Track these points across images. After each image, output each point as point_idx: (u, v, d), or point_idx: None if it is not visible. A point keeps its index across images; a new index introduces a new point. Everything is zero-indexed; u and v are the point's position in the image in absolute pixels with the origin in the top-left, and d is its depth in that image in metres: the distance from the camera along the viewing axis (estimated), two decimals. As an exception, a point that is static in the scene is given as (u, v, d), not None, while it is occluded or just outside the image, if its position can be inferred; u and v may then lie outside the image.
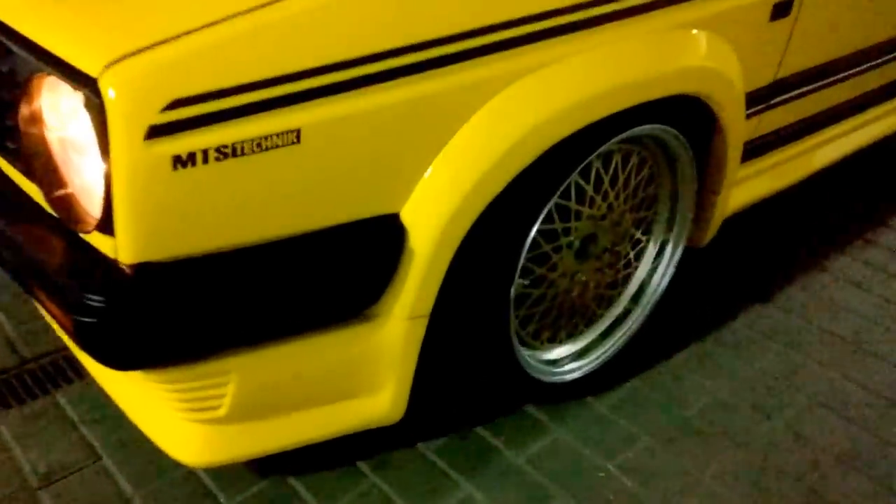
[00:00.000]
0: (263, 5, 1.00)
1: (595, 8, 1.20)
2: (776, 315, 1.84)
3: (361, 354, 1.25)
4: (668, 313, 1.70)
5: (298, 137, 1.02)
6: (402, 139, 1.11)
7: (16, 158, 1.16)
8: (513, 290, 1.32)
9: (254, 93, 0.98)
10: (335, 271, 1.16)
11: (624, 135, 1.31)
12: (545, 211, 1.29)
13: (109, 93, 0.93)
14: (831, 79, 1.75)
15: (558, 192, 1.29)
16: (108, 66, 0.94)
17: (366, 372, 1.27)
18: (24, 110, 1.08)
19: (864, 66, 1.83)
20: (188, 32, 0.96)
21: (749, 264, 2.00)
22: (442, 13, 1.08)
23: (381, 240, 1.16)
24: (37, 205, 1.17)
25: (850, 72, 1.79)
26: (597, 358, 1.57)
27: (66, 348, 1.60)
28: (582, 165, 1.29)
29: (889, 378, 1.68)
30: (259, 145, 1.00)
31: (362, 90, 1.05)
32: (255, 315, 1.14)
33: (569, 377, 1.52)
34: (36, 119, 1.08)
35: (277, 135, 1.01)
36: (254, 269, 1.09)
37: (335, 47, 1.02)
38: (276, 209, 1.06)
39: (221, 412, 1.20)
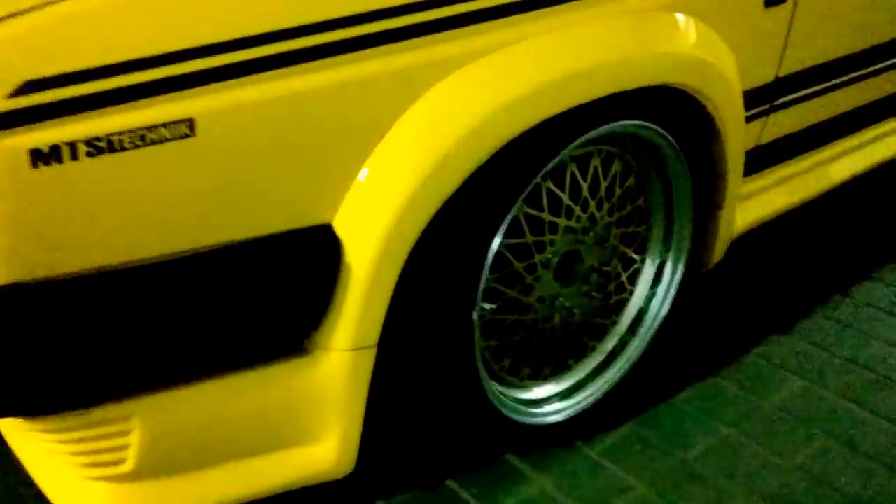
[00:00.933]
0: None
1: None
2: (795, 344, 1.60)
3: (297, 395, 1.04)
4: (672, 343, 1.48)
5: (192, 128, 0.84)
6: (328, 133, 0.92)
7: None
8: (475, 316, 1.11)
9: (133, 74, 0.80)
10: (254, 296, 0.96)
11: (598, 130, 1.11)
12: (507, 220, 1.08)
13: (-52, 73, 0.76)
14: (850, 76, 1.54)
15: (522, 198, 1.08)
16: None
17: (304, 416, 1.06)
18: None
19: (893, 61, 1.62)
20: (44, 4, 0.79)
21: (763, 289, 1.76)
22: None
23: (310, 256, 0.97)
24: None
25: (876, 67, 1.58)
26: (588, 396, 1.34)
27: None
28: (550, 167, 1.09)
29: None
30: (143, 138, 0.82)
31: (275, 72, 0.87)
32: (156, 349, 0.94)
33: (552, 419, 1.29)
34: None
35: (165, 125, 0.82)
36: (151, 292, 0.90)
37: (237, 22, 0.85)
38: (172, 218, 0.87)
39: (126, 467, 0.99)
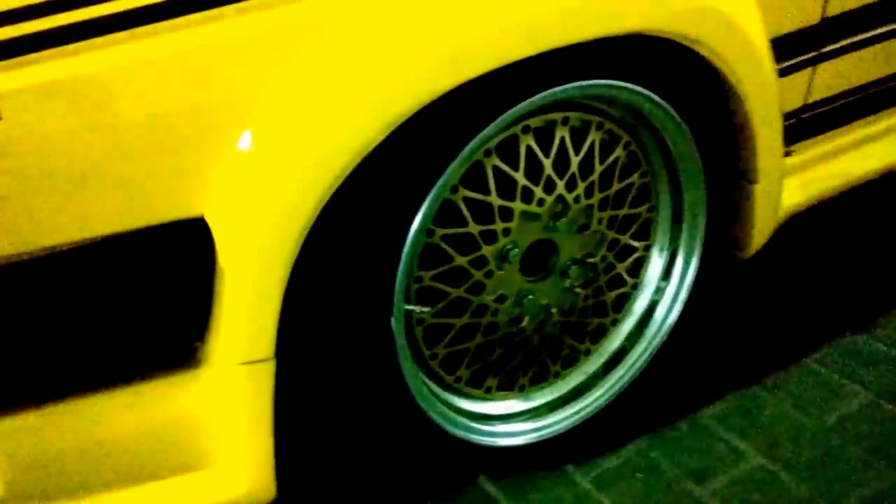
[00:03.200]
0: None
1: None
2: (867, 346, 1.29)
3: (189, 414, 0.88)
4: (697, 345, 1.21)
5: (-13, 109, 0.68)
6: (182, 110, 0.74)
7: None
8: (394, 323, 0.90)
9: None
10: (116, 303, 0.80)
11: (546, 95, 0.86)
12: (429, 205, 0.86)
13: None
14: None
15: (446, 178, 0.86)
16: None
17: (202, 437, 0.89)
18: None
19: None
20: None
21: (826, 280, 1.44)
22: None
23: (178, 255, 0.79)
24: None
25: None
26: (577, 413, 1.10)
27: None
28: (484, 138, 0.86)
29: None
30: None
31: (96, 40, 0.70)
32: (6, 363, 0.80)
33: (518, 440, 1.06)
34: None
35: (-53, 106, 0.67)
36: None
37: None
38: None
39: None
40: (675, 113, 0.97)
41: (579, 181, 0.98)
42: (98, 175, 0.74)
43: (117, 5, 0.71)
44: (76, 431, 0.85)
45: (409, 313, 0.94)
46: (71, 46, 0.70)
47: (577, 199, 0.99)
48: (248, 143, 0.77)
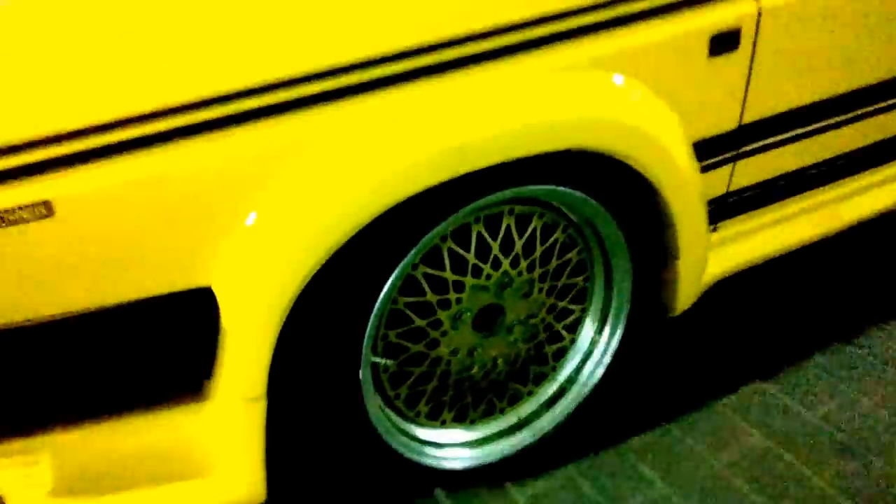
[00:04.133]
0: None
1: (442, 51, 0.99)
2: (769, 393, 1.49)
3: (198, 434, 1.09)
4: (625, 390, 1.42)
5: (50, 210, 0.89)
6: (192, 207, 0.95)
7: None
8: (362, 374, 1.11)
9: (-10, 163, 0.86)
10: (141, 350, 1.02)
11: (496, 196, 1.07)
12: (391, 279, 1.07)
13: None
14: (842, 118, 1.39)
15: (407, 260, 1.07)
16: None
17: (209, 452, 1.11)
18: None
19: (886, 100, 1.44)
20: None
21: (739, 334, 1.63)
22: (240, 64, 0.92)
23: (189, 316, 1.00)
24: None
25: (864, 109, 1.41)
26: (518, 443, 1.31)
27: None
28: (444, 230, 1.07)
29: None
30: (6, 221, 0.88)
31: (129, 154, 0.90)
32: (57, 393, 1.02)
33: (454, 465, 1.28)
34: None
35: (21, 209, 0.88)
36: (45, 345, 0.97)
37: (93, 107, 0.89)
38: (41, 286, 0.93)
39: (49, 487, 1.09)
40: (603, 207, 1.17)
41: (522, 259, 1.18)
42: (132, 258, 0.96)
43: (144, 129, 0.91)
44: (112, 445, 1.07)
45: (376, 364, 1.15)
46: (113, 158, 0.90)
47: (520, 274, 1.19)
48: (247, 234, 0.98)
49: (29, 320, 0.95)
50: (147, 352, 1.03)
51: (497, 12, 1.01)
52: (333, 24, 0.97)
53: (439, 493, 1.32)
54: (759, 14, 1.16)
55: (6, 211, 0.88)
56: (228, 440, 1.10)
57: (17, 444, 1.04)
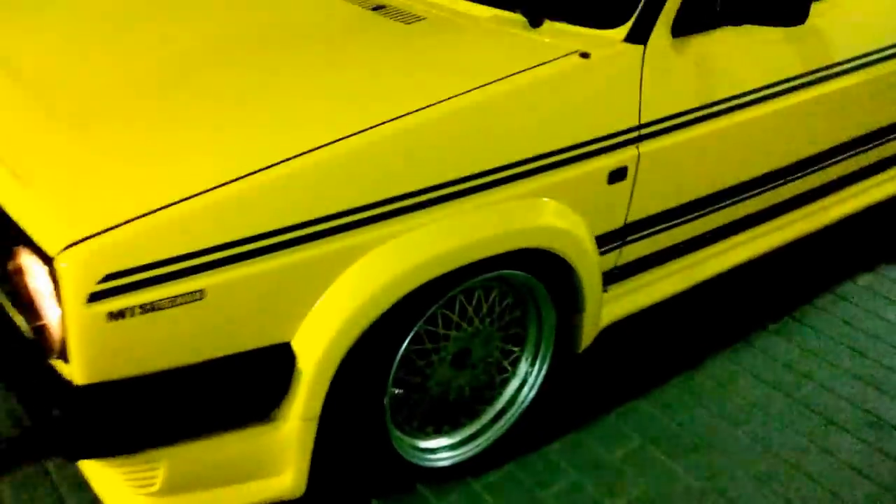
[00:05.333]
0: (166, 206, 1.32)
1: (435, 191, 1.51)
2: (648, 408, 2.10)
3: (267, 447, 1.55)
4: (546, 409, 1.98)
5: (202, 295, 1.35)
6: (288, 294, 1.43)
7: (10, 297, 1.51)
8: (386, 400, 1.62)
9: (166, 267, 1.31)
10: (238, 386, 1.47)
11: (475, 280, 1.61)
12: (409, 337, 1.59)
13: (63, 269, 1.26)
14: (688, 216, 2.00)
15: (419, 323, 1.59)
16: (63, 249, 1.27)
17: (272, 459, 1.57)
18: (11, 266, 1.42)
19: (725, 202, 2.05)
20: (122, 224, 1.29)
21: (634, 364, 2.26)
22: (317, 201, 1.41)
23: (276, 362, 1.47)
24: (19, 332, 1.50)
25: (710, 208, 2.03)
26: (477, 446, 1.85)
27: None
28: (441, 303, 1.60)
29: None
30: (172, 302, 1.33)
31: (255, 259, 1.37)
32: (176, 419, 1.46)
33: (444, 463, 1.81)
34: (20, 272, 1.41)
35: (184, 294, 1.33)
36: (173, 386, 1.41)
37: (234, 230, 1.35)
38: (188, 344, 1.38)
39: (156, 488, 1.51)
40: (537, 280, 1.73)
41: (485, 316, 1.72)
42: (246, 324, 1.42)
43: (265, 243, 1.38)
44: (209, 454, 1.51)
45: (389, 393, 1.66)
46: (246, 262, 1.36)
47: (484, 326, 1.73)
48: (317, 311, 1.46)
49: (169, 367, 1.40)
50: (238, 387, 1.48)
51: (473, 164, 1.54)
52: (381, 176, 1.46)
53: (420, 486, 1.83)
54: (639, 157, 1.75)
55: (173, 297, 1.33)
56: (287, 449, 1.56)
57: (142, 455, 1.47)
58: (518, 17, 1.76)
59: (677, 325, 2.40)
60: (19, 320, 1.49)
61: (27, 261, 1.37)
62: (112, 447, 1.42)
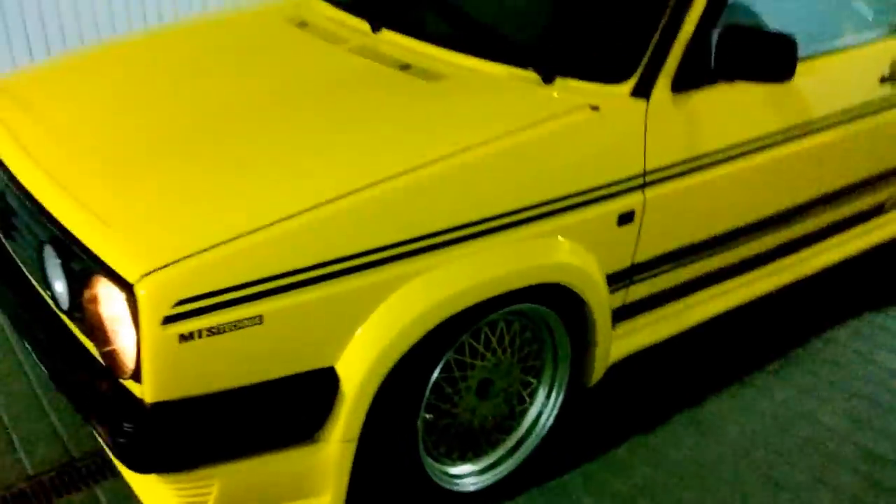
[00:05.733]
0: (231, 239, 1.48)
1: (465, 229, 1.67)
2: (648, 439, 2.23)
3: (310, 467, 1.67)
4: (562, 439, 2.11)
5: (261, 320, 1.50)
6: (334, 320, 1.57)
7: (79, 323, 1.65)
8: (419, 423, 1.75)
9: (230, 293, 1.46)
10: (288, 407, 1.61)
11: (499, 312, 1.77)
12: (441, 364, 1.73)
13: (141, 295, 1.41)
14: (689, 258, 2.17)
15: (450, 351, 1.74)
16: (142, 277, 1.42)
17: (314, 479, 1.69)
18: (87, 294, 1.56)
19: (723, 246, 2.22)
20: (193, 254, 1.45)
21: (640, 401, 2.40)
22: (359, 237, 1.57)
23: (322, 385, 1.61)
24: (92, 356, 1.65)
25: (709, 251, 2.19)
26: (499, 472, 1.98)
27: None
28: (469, 333, 1.75)
29: None
30: (234, 326, 1.48)
31: (307, 288, 1.52)
32: (232, 438, 1.59)
33: (470, 488, 1.93)
34: (94, 300, 1.56)
35: (245, 319, 1.48)
36: (231, 405, 1.54)
37: (290, 261, 1.50)
38: (246, 365, 1.53)
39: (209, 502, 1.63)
40: (556, 316, 1.89)
41: (507, 347, 1.87)
42: (296, 348, 1.56)
43: (315, 273, 1.54)
44: (258, 473, 1.63)
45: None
46: (296, 290, 1.52)
47: (506, 356, 1.88)
48: (359, 338, 1.60)
49: (227, 388, 1.53)
50: (288, 408, 1.62)
51: (496, 206, 1.70)
52: (416, 215, 1.63)
53: (446, 509, 1.95)
54: (645, 202, 1.93)
55: (236, 321, 1.47)
56: (328, 470, 1.69)
57: (199, 472, 1.59)
58: (532, 74, 1.96)
59: (679, 364, 2.55)
60: (90, 345, 1.63)
61: (104, 289, 1.52)
62: (176, 462, 1.54)
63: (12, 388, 2.35)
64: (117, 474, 2.02)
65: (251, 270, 1.48)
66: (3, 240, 2.07)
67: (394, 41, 2.20)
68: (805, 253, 2.51)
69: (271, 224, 1.51)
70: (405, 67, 2.05)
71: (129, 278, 1.43)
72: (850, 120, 2.37)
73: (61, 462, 2.07)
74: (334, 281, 1.55)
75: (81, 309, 1.58)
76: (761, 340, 2.71)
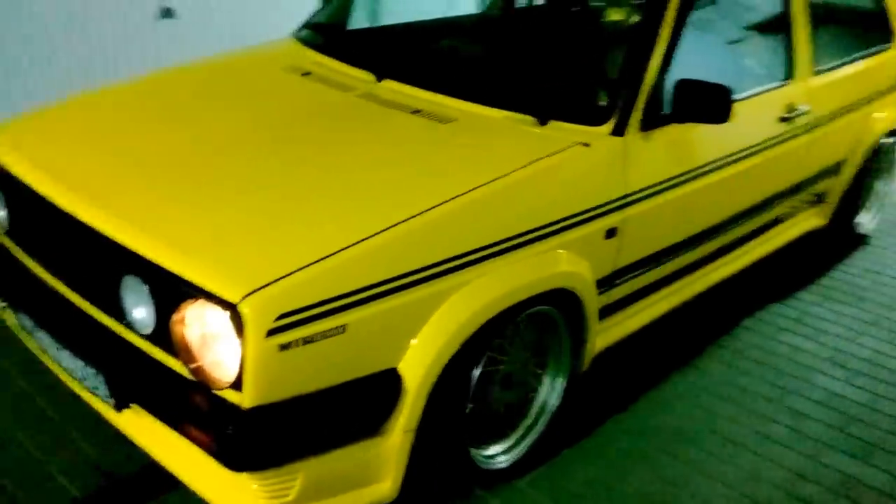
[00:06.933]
0: (318, 260, 1.62)
1: (496, 246, 1.87)
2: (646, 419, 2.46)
3: (376, 455, 1.82)
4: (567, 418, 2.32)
5: (344, 329, 1.62)
6: (399, 327, 1.75)
7: (162, 345, 1.72)
8: (467, 410, 1.91)
9: (321, 307, 1.60)
10: (361, 404, 1.75)
11: (521, 316, 1.98)
12: (483, 360, 1.92)
13: (246, 313, 1.52)
14: (658, 262, 2.44)
15: (491, 348, 1.92)
16: (244, 297, 1.54)
17: (378, 467, 1.84)
18: (176, 317, 1.64)
19: (698, 243, 2.54)
20: (288, 274, 1.58)
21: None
22: (422, 255, 1.74)
23: (388, 383, 1.76)
24: (176, 373, 1.71)
25: (681, 251, 2.49)
26: (520, 450, 2.18)
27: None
28: (504, 331, 1.94)
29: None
30: (323, 335, 1.61)
31: (380, 300, 1.68)
32: (315, 435, 1.70)
33: (504, 465, 2.13)
34: (182, 321, 1.64)
35: (332, 329, 1.61)
36: (315, 406, 1.67)
37: (366, 277, 1.66)
38: (329, 369, 1.66)
39: (290, 498, 1.73)
40: (560, 314, 2.09)
41: (522, 345, 2.05)
42: (367, 352, 1.69)
43: (387, 287, 1.67)
44: (335, 465, 1.76)
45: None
46: (375, 301, 1.65)
47: (523, 352, 2.06)
48: (418, 341, 1.76)
49: (313, 390, 1.64)
50: (361, 405, 1.74)
51: (517, 227, 1.92)
52: (459, 236, 1.81)
53: (476, 488, 2.09)
54: (625, 221, 2.19)
55: (325, 331, 1.59)
56: (390, 458, 1.82)
57: (285, 468, 1.69)
58: (528, 118, 2.17)
59: (642, 352, 2.80)
60: (174, 364, 1.69)
61: (199, 310, 1.60)
62: (270, 459, 1.67)
63: (30, 420, 2.32)
64: (161, 492, 2.05)
65: (336, 286, 1.63)
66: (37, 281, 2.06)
67: (398, 89, 2.38)
68: (736, 253, 2.86)
69: (348, 246, 1.68)
70: (416, 112, 2.21)
71: (232, 299, 1.55)
72: (762, 150, 2.71)
73: (103, 486, 2.08)
74: (399, 294, 1.71)
75: (168, 331, 1.64)
76: (711, 329, 3.00)
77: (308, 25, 2.88)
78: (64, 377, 1.99)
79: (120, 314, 1.79)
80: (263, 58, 2.70)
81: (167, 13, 3.82)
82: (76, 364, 1.87)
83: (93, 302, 1.92)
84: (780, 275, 3.43)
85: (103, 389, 1.80)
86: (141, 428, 1.83)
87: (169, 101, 2.42)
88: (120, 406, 1.80)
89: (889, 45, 3.43)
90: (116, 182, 1.93)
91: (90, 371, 1.82)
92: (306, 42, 2.75)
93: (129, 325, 1.78)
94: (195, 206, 1.82)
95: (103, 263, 1.82)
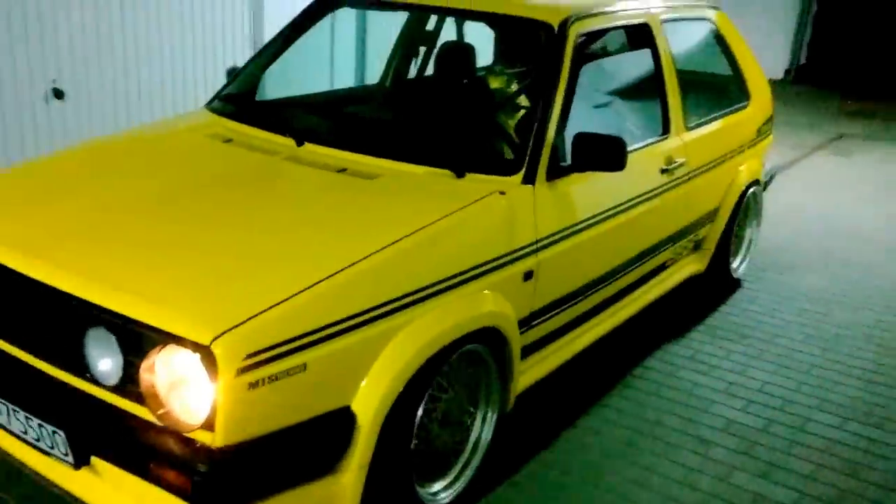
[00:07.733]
0: (280, 302, 1.85)
1: (430, 288, 2.16)
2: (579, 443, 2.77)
3: (333, 494, 2.02)
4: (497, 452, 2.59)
5: (305, 367, 1.85)
6: (352, 366, 1.98)
7: (127, 396, 1.86)
8: (412, 445, 2.16)
9: (286, 346, 1.82)
10: (319, 441, 1.95)
11: (460, 351, 2.26)
12: (426, 397, 2.17)
13: (218, 353, 1.72)
14: (572, 301, 2.80)
15: (432, 386, 2.18)
16: (215, 338, 1.74)
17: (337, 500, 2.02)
18: (144, 364, 1.80)
19: (601, 285, 2.93)
20: (252, 316, 1.79)
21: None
22: (368, 297, 1.99)
23: (344, 420, 1.98)
24: (142, 419, 1.85)
25: (588, 293, 2.87)
26: (462, 484, 2.43)
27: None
28: (442, 369, 2.21)
29: None
30: (286, 373, 1.83)
31: (335, 339, 1.91)
32: (280, 473, 1.89)
33: (448, 499, 2.37)
34: (151, 369, 1.80)
35: (295, 366, 1.83)
36: (280, 443, 1.87)
37: (326, 316, 1.89)
38: (291, 407, 1.87)
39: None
40: (489, 351, 2.39)
41: (458, 384, 2.34)
42: (323, 391, 1.91)
43: (340, 327, 1.92)
44: (296, 502, 1.93)
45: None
46: (332, 340, 1.89)
47: (460, 390, 2.33)
48: (367, 382, 2.00)
49: (276, 429, 1.84)
50: (320, 443, 1.94)
51: (448, 270, 2.21)
52: (402, 277, 2.09)
53: (421, 525, 2.32)
54: (539, 264, 2.54)
55: (288, 370, 1.81)
56: (345, 495, 2.02)
57: (253, 506, 1.86)
58: (446, 172, 2.51)
59: (558, 392, 3.13)
60: (140, 411, 1.84)
61: (168, 356, 1.78)
62: (237, 498, 1.82)
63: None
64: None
65: (296, 326, 1.86)
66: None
67: (321, 152, 2.66)
68: (635, 294, 3.29)
69: (303, 290, 1.91)
70: (342, 170, 2.51)
71: (203, 341, 1.74)
72: (649, 199, 3.18)
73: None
74: (351, 333, 1.96)
75: (135, 380, 1.81)
76: (602, 370, 3.38)
77: (220, 97, 3.15)
78: (11, 449, 2.08)
79: (82, 369, 1.92)
80: (185, 127, 2.94)
81: (58, 94, 3.97)
82: (31, 425, 1.96)
83: (51, 360, 2.01)
84: (672, 316, 3.90)
85: (61, 447, 1.90)
86: (95, 489, 1.95)
87: (106, 165, 2.61)
88: (79, 463, 1.91)
89: (747, 103, 4.11)
90: (71, 243, 2.09)
91: (47, 430, 1.92)
92: (221, 113, 3.00)
93: (92, 379, 1.91)
94: (150, 260, 2.01)
95: (64, 320, 1.95)
